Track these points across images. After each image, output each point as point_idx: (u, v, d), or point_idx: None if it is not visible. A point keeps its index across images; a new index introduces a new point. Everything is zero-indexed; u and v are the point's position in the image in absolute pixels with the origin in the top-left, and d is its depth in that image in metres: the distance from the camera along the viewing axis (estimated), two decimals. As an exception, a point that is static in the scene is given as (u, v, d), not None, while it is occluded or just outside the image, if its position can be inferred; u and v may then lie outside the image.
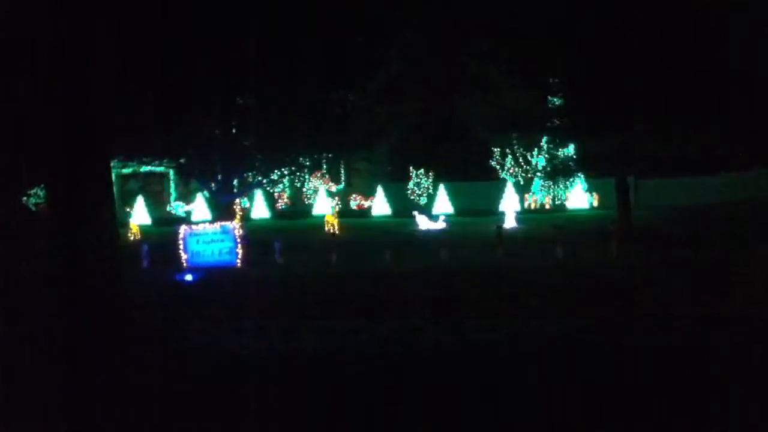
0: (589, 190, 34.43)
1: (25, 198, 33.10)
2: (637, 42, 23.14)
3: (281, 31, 24.90)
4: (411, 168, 35.99)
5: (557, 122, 27.80)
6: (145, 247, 23.38)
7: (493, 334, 11.64)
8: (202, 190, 32.13)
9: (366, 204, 36.32)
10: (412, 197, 35.65)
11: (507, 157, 35.84)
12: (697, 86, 22.98)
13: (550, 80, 27.85)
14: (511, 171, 35.92)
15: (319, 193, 36.45)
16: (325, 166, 36.08)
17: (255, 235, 24.95)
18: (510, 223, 29.84)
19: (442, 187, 35.60)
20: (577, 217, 32.31)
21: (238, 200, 32.57)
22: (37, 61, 8.17)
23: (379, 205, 35.79)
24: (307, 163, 30.25)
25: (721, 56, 23.05)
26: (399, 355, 10.61)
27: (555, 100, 28.15)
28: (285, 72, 25.78)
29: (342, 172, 38.05)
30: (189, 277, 20.03)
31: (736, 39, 22.76)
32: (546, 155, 32.39)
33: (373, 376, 9.46)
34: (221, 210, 28.25)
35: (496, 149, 35.84)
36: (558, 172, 29.44)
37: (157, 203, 36.70)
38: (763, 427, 7.34)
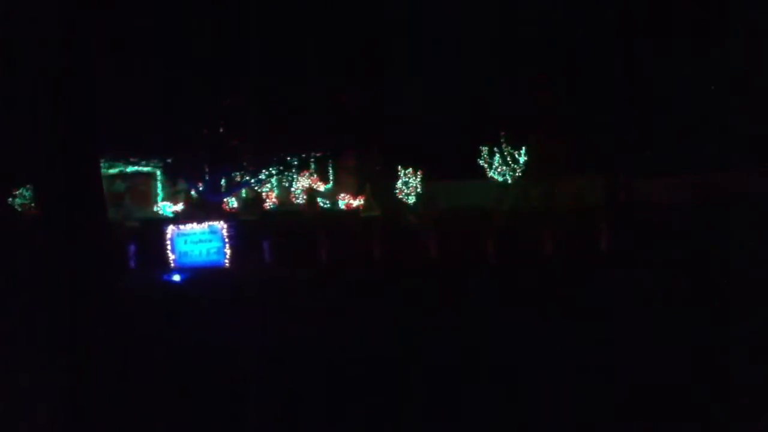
0: None
1: (10, 199, 32.83)
2: None
3: (269, 29, 24.84)
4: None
5: None
6: (132, 248, 23.23)
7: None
8: (189, 190, 31.96)
9: (354, 203, 36.20)
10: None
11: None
12: None
13: None
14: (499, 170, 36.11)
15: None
16: (313, 165, 35.93)
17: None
18: None
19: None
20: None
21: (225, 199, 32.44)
22: (26, 60, 8.13)
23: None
24: (296, 163, 30.15)
25: None
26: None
27: None
28: (273, 71, 25.71)
29: (330, 171, 37.87)
30: (177, 278, 19.95)
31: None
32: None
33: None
34: (209, 210, 28.08)
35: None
36: None
37: (144, 203, 36.45)
38: None
